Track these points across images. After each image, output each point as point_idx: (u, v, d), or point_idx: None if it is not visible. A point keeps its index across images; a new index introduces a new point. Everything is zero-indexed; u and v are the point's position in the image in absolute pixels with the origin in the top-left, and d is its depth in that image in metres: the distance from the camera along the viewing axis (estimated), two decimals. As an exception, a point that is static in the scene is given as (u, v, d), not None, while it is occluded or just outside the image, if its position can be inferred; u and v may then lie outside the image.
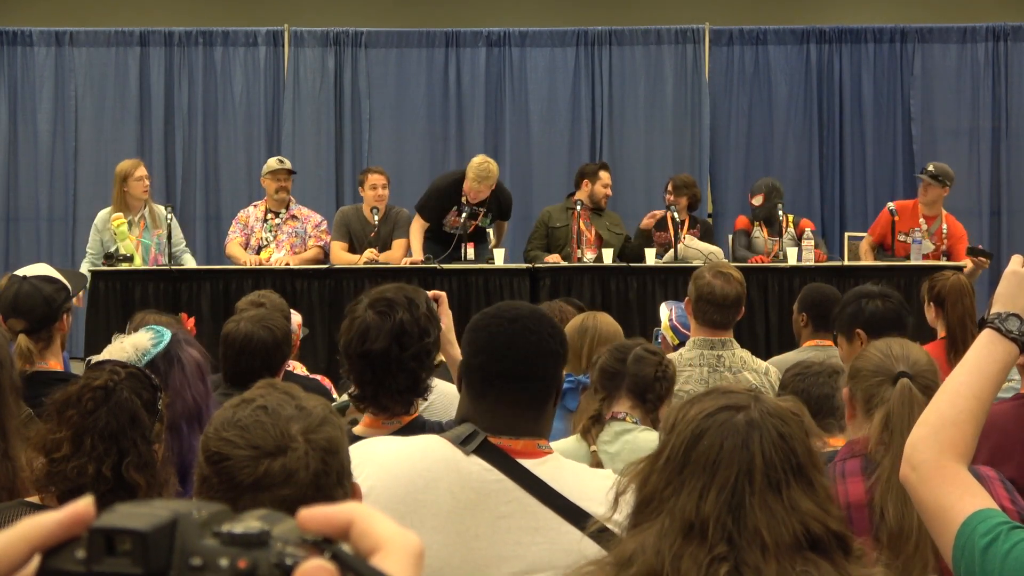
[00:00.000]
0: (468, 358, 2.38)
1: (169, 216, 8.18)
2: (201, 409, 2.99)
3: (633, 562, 1.69)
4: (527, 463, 2.27)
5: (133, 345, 2.87)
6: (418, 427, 2.96)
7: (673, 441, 1.76)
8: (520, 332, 2.33)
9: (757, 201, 8.63)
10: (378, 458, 2.29)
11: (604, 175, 8.67)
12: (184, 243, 8.48)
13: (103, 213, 8.29)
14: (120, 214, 8.15)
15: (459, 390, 2.42)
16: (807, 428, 1.79)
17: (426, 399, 3.29)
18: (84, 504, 0.72)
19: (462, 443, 2.26)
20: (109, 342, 3.11)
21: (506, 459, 2.26)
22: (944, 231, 8.44)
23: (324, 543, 0.72)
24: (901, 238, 8.47)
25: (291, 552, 0.70)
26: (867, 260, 8.51)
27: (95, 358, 2.73)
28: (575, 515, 2.20)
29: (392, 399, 2.87)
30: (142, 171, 8.30)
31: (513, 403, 2.31)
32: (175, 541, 0.70)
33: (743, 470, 1.70)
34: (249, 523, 0.71)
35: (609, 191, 8.67)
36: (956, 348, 4.98)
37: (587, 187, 8.62)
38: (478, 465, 2.25)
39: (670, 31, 10.55)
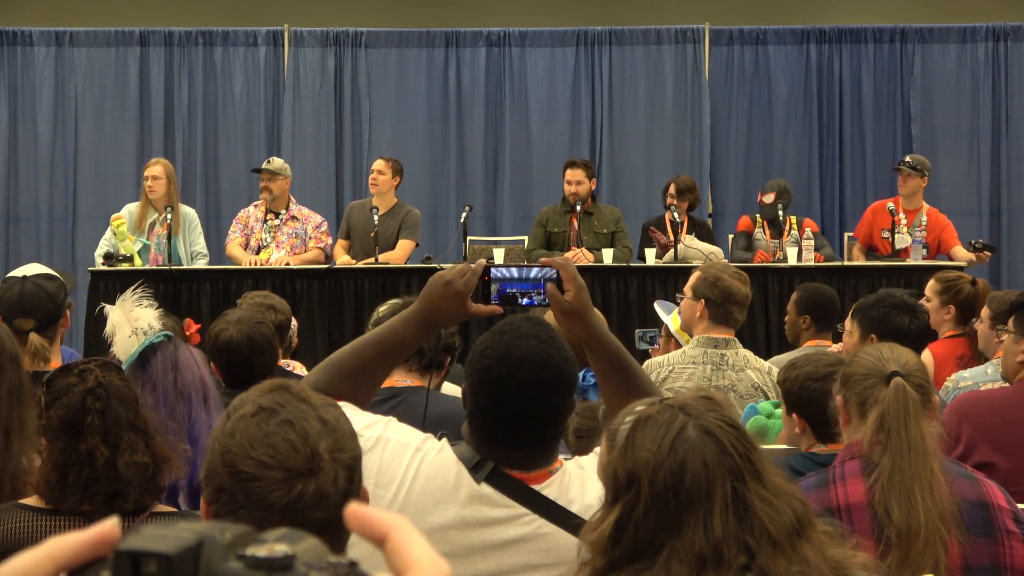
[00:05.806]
0: (471, 412, 2.27)
1: (168, 217, 8.08)
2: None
3: None
4: (537, 486, 2.23)
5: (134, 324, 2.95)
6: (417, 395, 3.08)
7: (649, 490, 1.68)
8: (527, 403, 2.22)
9: (768, 199, 8.59)
10: (402, 470, 2.24)
11: (569, 173, 8.50)
12: (201, 248, 8.33)
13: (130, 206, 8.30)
14: (120, 215, 8.14)
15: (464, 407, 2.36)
16: (728, 413, 1.77)
17: (433, 367, 3.39)
18: (110, 525, 0.73)
19: (472, 469, 2.22)
20: (108, 343, 3.14)
21: (516, 485, 2.22)
22: (924, 223, 8.46)
23: (348, 566, 0.72)
24: (884, 235, 8.49)
25: None
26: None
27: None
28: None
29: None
30: (151, 170, 8.24)
31: (521, 456, 2.26)
32: (200, 564, 0.70)
33: (733, 474, 1.68)
34: (273, 546, 0.71)
35: (575, 188, 8.41)
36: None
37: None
38: (488, 491, 2.21)
39: (670, 31, 10.54)
